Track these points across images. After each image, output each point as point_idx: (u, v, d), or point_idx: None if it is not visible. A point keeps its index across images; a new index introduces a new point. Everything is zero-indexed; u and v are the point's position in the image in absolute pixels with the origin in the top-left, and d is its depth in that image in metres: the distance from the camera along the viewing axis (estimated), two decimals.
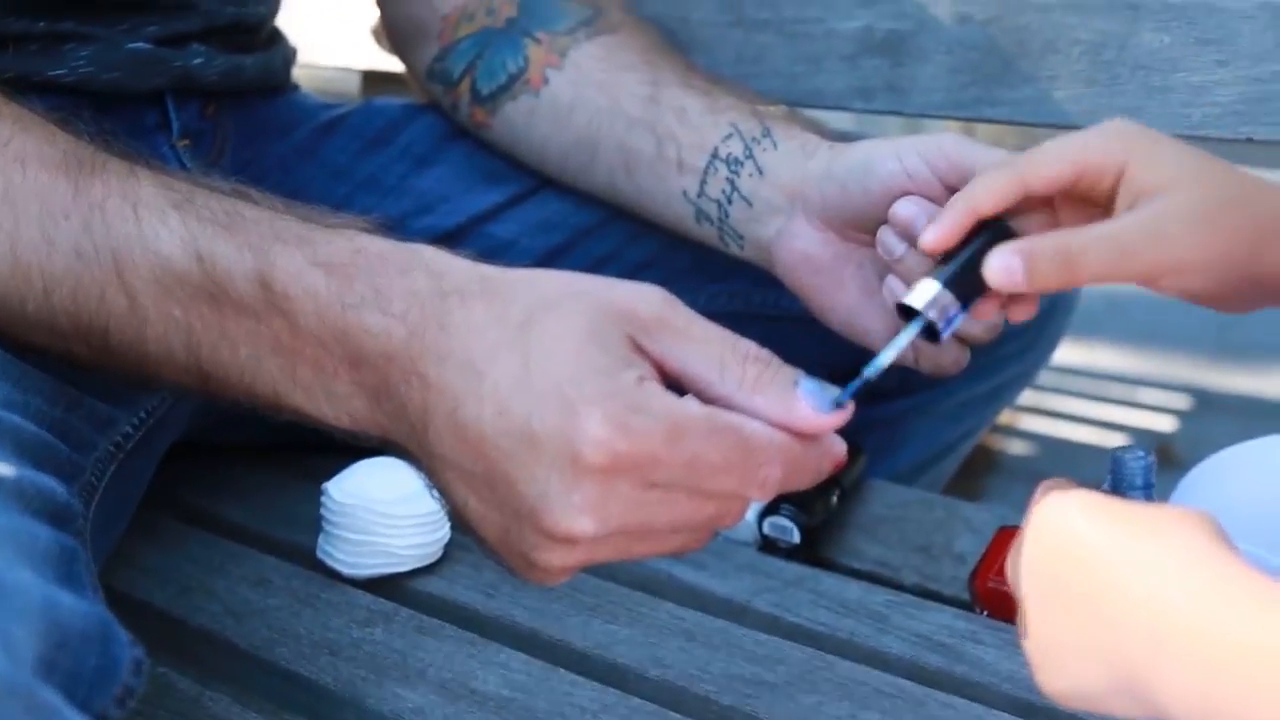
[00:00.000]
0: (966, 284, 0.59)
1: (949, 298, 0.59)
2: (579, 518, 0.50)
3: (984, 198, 0.60)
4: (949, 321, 0.60)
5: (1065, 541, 0.47)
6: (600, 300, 0.53)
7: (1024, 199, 0.60)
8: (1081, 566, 0.46)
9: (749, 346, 0.54)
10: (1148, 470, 0.51)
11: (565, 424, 0.50)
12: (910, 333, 0.59)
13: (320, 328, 0.55)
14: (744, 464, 0.51)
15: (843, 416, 0.53)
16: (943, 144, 0.75)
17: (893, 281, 0.75)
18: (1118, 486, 0.51)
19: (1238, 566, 0.43)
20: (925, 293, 0.60)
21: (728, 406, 0.52)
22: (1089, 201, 0.61)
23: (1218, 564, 0.43)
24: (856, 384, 0.55)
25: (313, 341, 0.55)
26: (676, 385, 0.53)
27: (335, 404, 0.57)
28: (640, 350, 0.52)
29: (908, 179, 0.75)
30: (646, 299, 0.53)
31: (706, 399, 0.53)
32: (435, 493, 0.56)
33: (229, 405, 0.60)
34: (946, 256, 0.61)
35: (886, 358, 0.57)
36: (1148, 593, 0.43)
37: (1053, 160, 0.60)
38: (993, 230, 0.60)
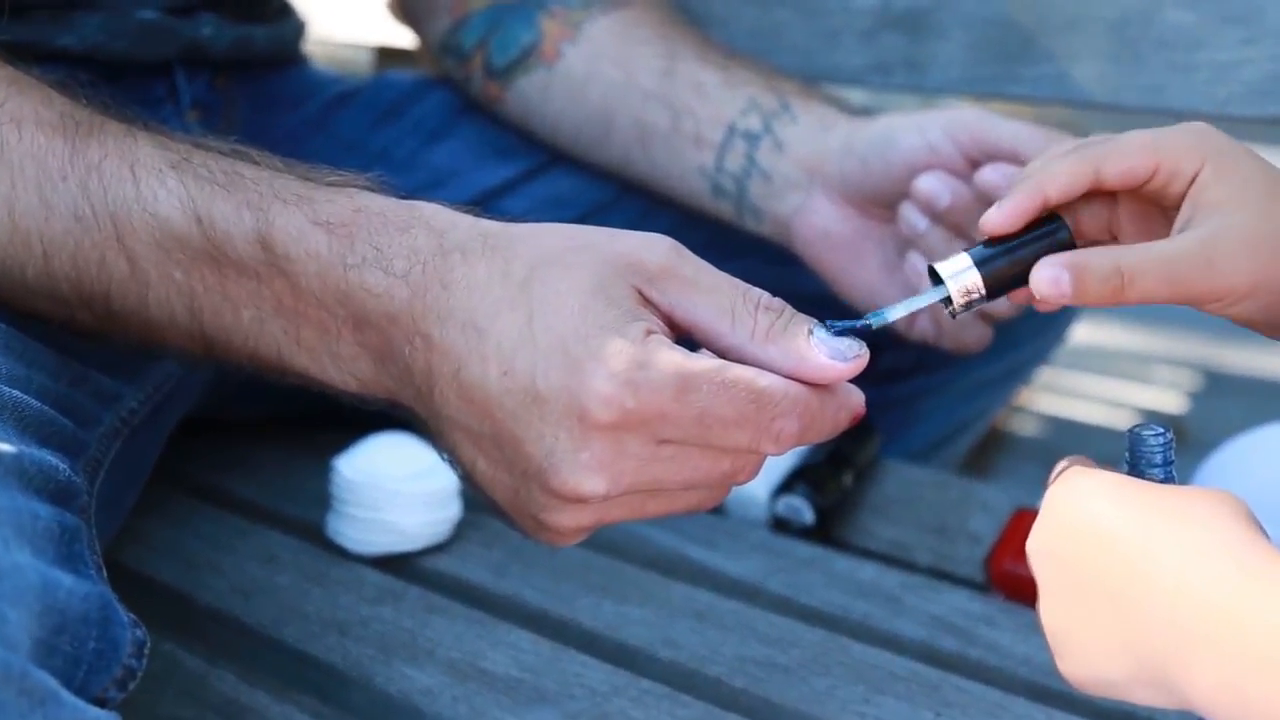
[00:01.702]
0: (1002, 275, 0.57)
1: (978, 282, 0.56)
2: (588, 477, 0.50)
3: (1053, 185, 0.56)
4: (969, 304, 0.57)
5: (1088, 525, 0.46)
6: (605, 253, 0.52)
7: (1093, 189, 0.57)
8: (1105, 552, 0.45)
9: (760, 295, 0.52)
10: (1167, 448, 0.50)
11: (571, 381, 0.49)
12: (930, 298, 0.57)
13: (322, 289, 0.54)
14: (757, 417, 0.50)
15: (858, 365, 0.52)
16: (966, 118, 0.73)
17: (914, 258, 0.74)
18: (1136, 465, 0.50)
19: (1268, 551, 0.42)
20: (958, 268, 0.56)
21: (739, 357, 0.51)
22: (1154, 201, 0.58)
23: (1248, 549, 0.42)
24: (852, 324, 0.53)
25: (315, 303, 0.55)
26: (687, 337, 0.52)
27: (340, 366, 0.56)
28: (648, 302, 0.51)
29: (930, 153, 0.74)
30: (653, 249, 0.52)
31: (718, 349, 0.52)
32: (445, 456, 0.55)
33: (234, 370, 0.59)
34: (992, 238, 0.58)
35: (895, 313, 0.55)
36: (1176, 579, 0.42)
37: (1131, 154, 0.56)
38: (1048, 226, 0.57)
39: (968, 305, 0.57)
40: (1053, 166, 0.57)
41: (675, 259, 0.52)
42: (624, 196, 0.92)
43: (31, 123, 0.59)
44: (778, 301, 0.53)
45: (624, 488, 0.50)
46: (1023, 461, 1.67)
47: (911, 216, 0.74)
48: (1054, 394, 1.80)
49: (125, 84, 0.82)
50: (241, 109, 0.92)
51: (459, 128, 0.97)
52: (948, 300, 0.57)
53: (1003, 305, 0.75)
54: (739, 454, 0.52)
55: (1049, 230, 0.57)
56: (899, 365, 0.99)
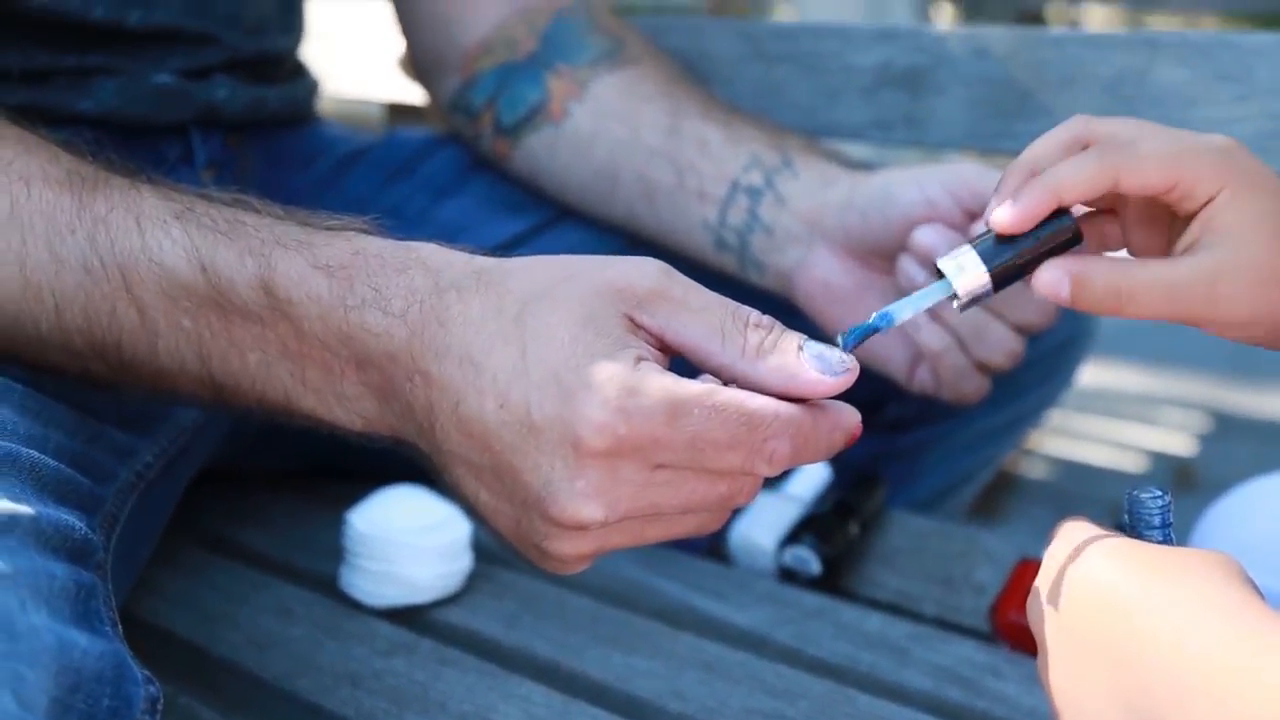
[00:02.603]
0: (1007, 270, 0.56)
1: (984, 274, 0.56)
2: (586, 504, 0.50)
3: (1069, 192, 0.56)
4: (975, 297, 0.56)
5: (1088, 585, 0.47)
6: (594, 281, 0.53)
7: (1108, 195, 0.57)
8: (1105, 611, 0.46)
9: (750, 313, 0.53)
10: (1165, 510, 0.51)
11: (564, 411, 0.50)
12: (936, 294, 0.56)
13: (325, 331, 0.56)
14: (749, 439, 0.51)
15: (847, 379, 0.52)
16: (963, 173, 0.75)
17: None
18: (1135, 527, 0.51)
19: (1263, 611, 0.43)
20: (963, 264, 0.56)
21: (730, 374, 0.52)
22: (1165, 209, 0.58)
23: (1243, 609, 0.43)
24: (863, 328, 0.54)
25: (318, 345, 0.56)
26: (680, 358, 0.53)
27: (346, 406, 0.57)
28: (639, 327, 0.53)
29: (928, 207, 0.75)
30: (642, 272, 0.53)
31: (709, 368, 0.53)
32: (450, 489, 0.56)
33: (244, 414, 0.60)
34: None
35: (902, 311, 0.55)
36: (1173, 640, 0.43)
37: (1152, 168, 0.56)
38: (1055, 220, 0.56)
39: (973, 300, 0.56)
40: (1070, 171, 0.56)
41: (665, 281, 0.53)
42: (630, 250, 0.94)
43: (39, 180, 0.61)
44: (767, 319, 0.54)
45: (621, 513, 0.51)
46: (1032, 505, 1.67)
47: (910, 269, 0.75)
48: (1063, 437, 1.80)
49: (141, 145, 0.84)
50: (254, 168, 0.94)
51: (468, 184, 0.99)
52: (954, 296, 0.56)
53: (998, 358, 0.76)
54: (734, 476, 0.52)
55: (1056, 224, 0.56)
56: (903, 416, 1.00)
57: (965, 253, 0.56)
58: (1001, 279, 0.56)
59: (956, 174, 0.75)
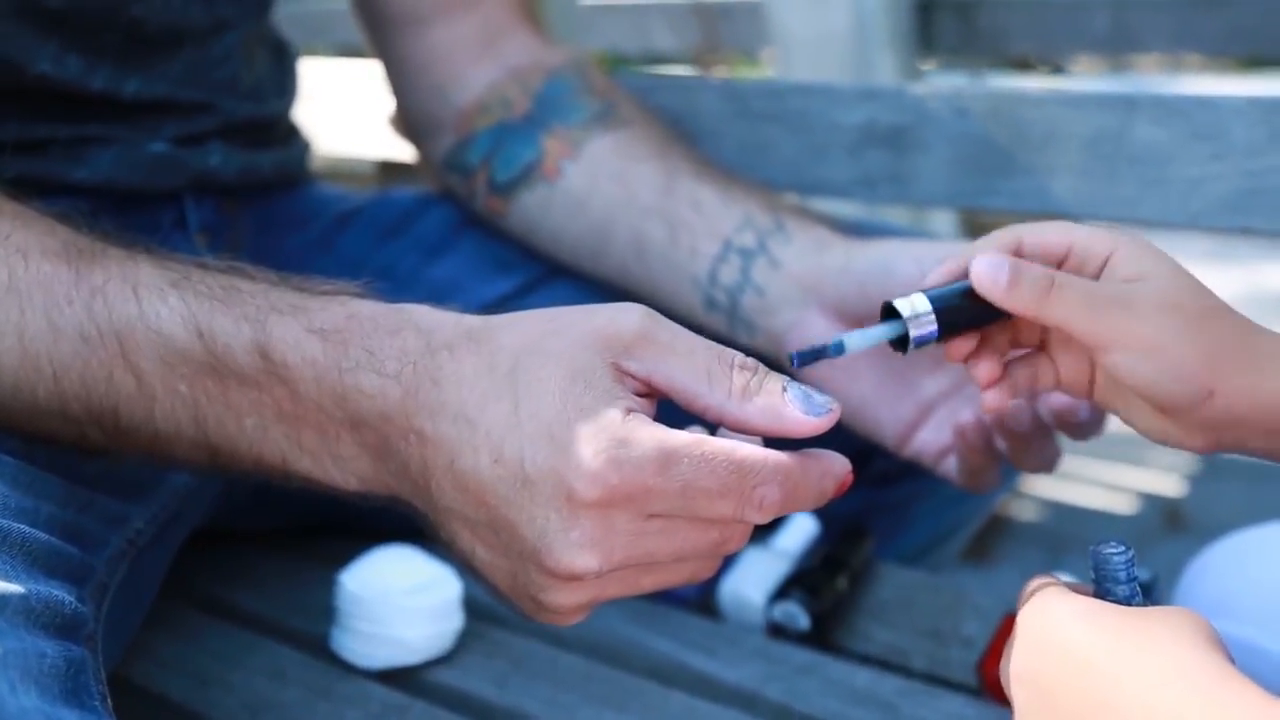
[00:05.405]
0: (952, 315, 0.60)
1: (930, 316, 0.60)
2: (580, 554, 0.52)
3: (979, 247, 0.62)
4: (921, 339, 0.60)
5: (1059, 651, 0.48)
6: (581, 333, 0.54)
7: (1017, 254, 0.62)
8: (1078, 677, 0.47)
9: (735, 355, 0.55)
10: (1130, 564, 0.52)
11: (557, 463, 0.51)
12: (889, 331, 0.60)
13: (320, 393, 0.57)
14: (739, 486, 0.52)
15: (830, 419, 0.54)
16: (961, 251, 0.76)
17: None
18: (1101, 582, 0.52)
19: (1229, 673, 0.44)
20: (915, 303, 0.60)
21: (718, 416, 0.54)
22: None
23: (1210, 672, 0.44)
24: (816, 349, 0.57)
25: (314, 407, 0.57)
26: (667, 401, 0.55)
27: (341, 467, 0.58)
28: (626, 374, 0.54)
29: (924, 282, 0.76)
30: (627, 318, 0.55)
31: (697, 410, 0.54)
32: (445, 546, 0.57)
33: (240, 477, 0.61)
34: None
35: (853, 341, 0.58)
36: (1142, 704, 0.44)
37: (1048, 231, 0.62)
38: None
39: (921, 342, 0.60)
40: (984, 239, 0.63)
41: (649, 325, 0.55)
42: None
43: (37, 252, 0.62)
44: (751, 361, 0.55)
45: (616, 563, 0.52)
46: (1023, 547, 1.68)
47: None
48: (1053, 478, 1.81)
49: (135, 212, 0.85)
50: (248, 231, 0.95)
51: (459, 243, 1.00)
52: (904, 339, 0.60)
53: (974, 480, 0.77)
54: (726, 524, 0.54)
55: None
56: (891, 469, 1.00)
57: (917, 296, 0.60)
58: (947, 323, 0.60)
59: (955, 251, 0.76)
